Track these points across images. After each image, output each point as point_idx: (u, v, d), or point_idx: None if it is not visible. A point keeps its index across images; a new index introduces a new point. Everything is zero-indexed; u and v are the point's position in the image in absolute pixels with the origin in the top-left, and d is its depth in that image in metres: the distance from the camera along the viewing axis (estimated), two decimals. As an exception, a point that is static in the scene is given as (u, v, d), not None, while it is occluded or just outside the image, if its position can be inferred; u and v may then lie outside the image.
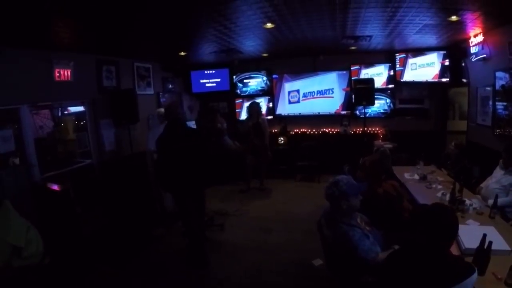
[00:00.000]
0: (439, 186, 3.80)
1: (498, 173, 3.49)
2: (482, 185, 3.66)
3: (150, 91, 6.25)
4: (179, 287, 3.39)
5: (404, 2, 3.18)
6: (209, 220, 4.67)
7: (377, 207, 2.79)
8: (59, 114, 5.44)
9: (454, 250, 2.28)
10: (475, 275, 1.59)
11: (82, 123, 5.41)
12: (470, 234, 2.36)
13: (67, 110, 5.57)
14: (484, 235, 2.06)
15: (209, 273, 3.59)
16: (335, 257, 2.44)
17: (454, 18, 3.74)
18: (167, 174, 3.56)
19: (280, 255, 3.89)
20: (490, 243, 2.00)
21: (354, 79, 6.56)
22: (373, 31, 4.58)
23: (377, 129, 6.90)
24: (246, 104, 6.91)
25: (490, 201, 2.99)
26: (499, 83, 4.32)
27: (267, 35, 4.56)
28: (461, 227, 2.53)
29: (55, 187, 3.86)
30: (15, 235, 2.46)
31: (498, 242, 2.23)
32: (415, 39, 5.15)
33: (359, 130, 6.81)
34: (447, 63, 6.08)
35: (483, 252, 2.00)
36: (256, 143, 6.02)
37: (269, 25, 3.89)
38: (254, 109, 6.18)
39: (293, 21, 3.85)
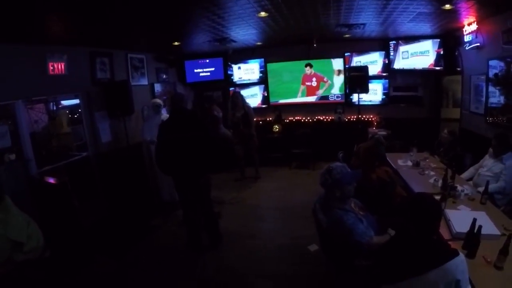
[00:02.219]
0: (432, 173, 3.87)
1: (488, 161, 3.58)
2: (463, 175, 3.84)
3: (144, 82, 6.21)
4: (177, 276, 3.45)
5: (398, -10, 3.19)
6: (217, 214, 4.30)
7: (370, 192, 2.86)
8: (54, 108, 5.40)
9: (445, 234, 2.36)
10: (459, 259, 1.61)
11: (77, 116, 5.39)
12: (461, 219, 2.43)
13: (61, 103, 5.53)
14: (474, 220, 2.13)
15: (206, 261, 3.66)
16: (330, 242, 2.50)
17: (448, 6, 3.73)
18: (166, 160, 3.58)
19: (276, 241, 3.96)
20: (480, 227, 2.07)
21: (349, 67, 6.57)
22: (367, 19, 4.57)
23: (371, 117, 6.94)
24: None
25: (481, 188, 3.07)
26: (492, 72, 4.36)
27: (260, 24, 4.52)
28: (453, 212, 2.63)
29: (52, 180, 3.86)
30: (16, 230, 2.49)
31: (489, 227, 2.29)
32: (410, 27, 5.14)
33: (353, 117, 6.86)
34: (442, 51, 6.06)
35: (473, 236, 2.07)
36: (244, 132, 6.02)
37: (262, 13, 3.86)
38: (238, 99, 6.08)
39: (287, 10, 3.82)
